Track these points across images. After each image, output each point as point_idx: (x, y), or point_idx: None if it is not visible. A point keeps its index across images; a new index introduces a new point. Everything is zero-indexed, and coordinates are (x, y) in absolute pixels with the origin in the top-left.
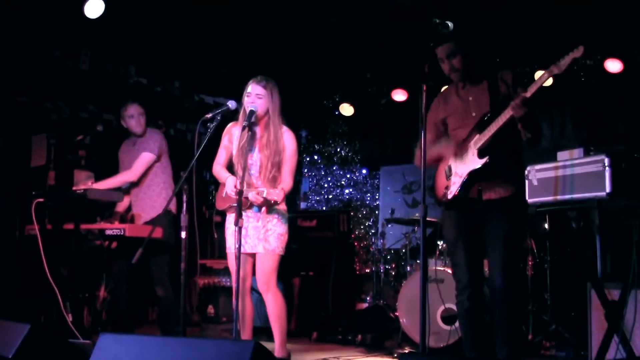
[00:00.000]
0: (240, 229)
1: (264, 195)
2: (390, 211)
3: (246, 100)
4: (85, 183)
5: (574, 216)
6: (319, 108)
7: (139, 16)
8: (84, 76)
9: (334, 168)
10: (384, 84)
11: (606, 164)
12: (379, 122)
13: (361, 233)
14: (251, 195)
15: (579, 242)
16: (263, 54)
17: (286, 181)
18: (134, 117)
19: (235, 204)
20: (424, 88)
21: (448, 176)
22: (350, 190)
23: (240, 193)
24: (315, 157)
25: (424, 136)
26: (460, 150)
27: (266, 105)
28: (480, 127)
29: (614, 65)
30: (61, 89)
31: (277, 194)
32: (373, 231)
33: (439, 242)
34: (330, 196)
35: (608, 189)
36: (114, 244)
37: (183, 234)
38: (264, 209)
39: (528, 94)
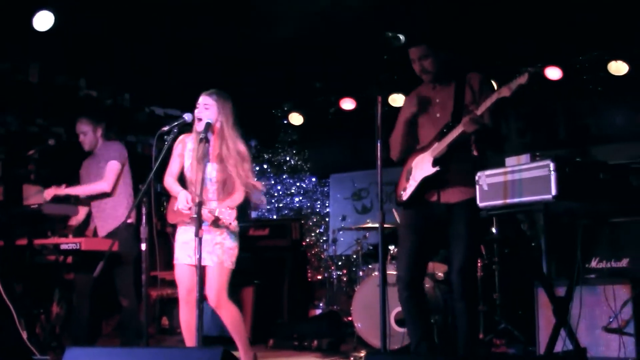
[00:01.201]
0: (200, 239)
1: (217, 214)
2: (341, 217)
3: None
4: (36, 197)
5: (523, 219)
6: (268, 117)
7: (88, 28)
8: (33, 89)
9: (284, 177)
10: (333, 93)
11: (551, 169)
12: (328, 130)
13: (312, 240)
14: (204, 213)
15: (525, 244)
16: (213, 64)
17: (240, 189)
18: (86, 133)
19: (187, 219)
20: (379, 99)
21: (407, 178)
22: (301, 198)
23: (199, 204)
24: (265, 166)
25: (380, 148)
26: (421, 155)
27: (215, 115)
28: (439, 136)
29: (553, 73)
30: (9, 102)
31: (228, 215)
32: (324, 238)
33: (390, 247)
34: (281, 205)
35: (554, 192)
36: (69, 259)
37: (143, 246)
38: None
39: (478, 112)
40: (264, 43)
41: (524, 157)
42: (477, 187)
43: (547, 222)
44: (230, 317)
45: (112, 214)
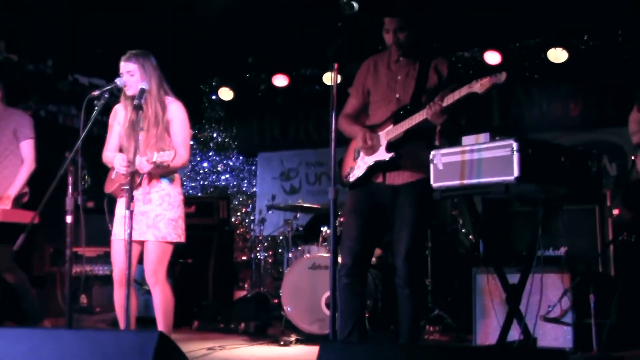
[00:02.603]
0: (131, 213)
1: (154, 159)
2: (271, 197)
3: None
4: None
5: (454, 202)
6: (195, 92)
7: None
8: None
9: (210, 154)
10: (264, 69)
11: (514, 149)
12: (257, 107)
13: (237, 220)
14: (139, 163)
15: (455, 229)
16: (139, 32)
17: (180, 153)
18: None
19: (123, 183)
20: (336, 66)
21: (355, 157)
22: (227, 176)
23: (132, 174)
24: (191, 142)
25: (335, 118)
26: (372, 136)
27: (141, 80)
28: (395, 118)
29: (493, 57)
30: None
31: (167, 154)
32: (252, 218)
33: (322, 229)
34: (206, 182)
35: (516, 173)
36: None
37: (68, 219)
38: (154, 190)
39: (444, 104)
40: (195, 13)
41: (483, 136)
42: (432, 166)
43: (486, 207)
44: (163, 297)
45: (5, 185)
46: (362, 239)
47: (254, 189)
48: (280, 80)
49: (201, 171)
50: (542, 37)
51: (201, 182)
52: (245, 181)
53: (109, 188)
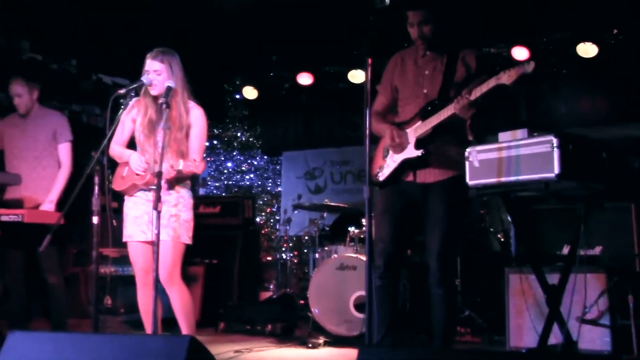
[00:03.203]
0: (159, 213)
1: (180, 168)
2: (297, 196)
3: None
4: None
5: (483, 201)
6: (218, 91)
7: None
8: None
9: (234, 153)
10: (288, 67)
11: (555, 145)
12: (281, 106)
13: (262, 220)
14: (165, 168)
15: (484, 227)
16: (162, 31)
17: (197, 160)
18: (21, 96)
19: (139, 183)
20: (370, 62)
21: (385, 156)
22: (252, 176)
23: (159, 174)
24: (215, 142)
25: (369, 114)
26: (400, 133)
27: (168, 79)
28: (424, 114)
29: (520, 53)
30: None
31: (195, 166)
32: (277, 218)
33: (349, 229)
34: (231, 182)
35: (557, 170)
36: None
37: (95, 219)
38: (171, 192)
39: (472, 97)
40: (217, 10)
41: (521, 132)
42: (467, 163)
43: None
44: (181, 298)
45: (45, 186)
46: (395, 239)
47: (279, 189)
48: (304, 79)
49: (225, 171)
50: (571, 32)
51: (225, 182)
52: (270, 181)
53: (120, 186)
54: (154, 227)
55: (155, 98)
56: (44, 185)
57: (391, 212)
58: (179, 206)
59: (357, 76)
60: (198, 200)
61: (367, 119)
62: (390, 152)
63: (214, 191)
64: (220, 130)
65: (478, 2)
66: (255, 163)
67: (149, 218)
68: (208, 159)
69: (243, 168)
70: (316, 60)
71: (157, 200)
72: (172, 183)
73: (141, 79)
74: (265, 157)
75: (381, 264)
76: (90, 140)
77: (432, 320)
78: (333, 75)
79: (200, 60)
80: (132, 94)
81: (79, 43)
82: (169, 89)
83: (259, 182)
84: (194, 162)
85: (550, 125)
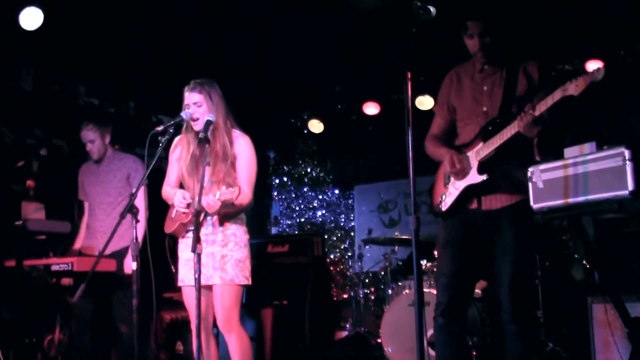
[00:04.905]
0: (199, 255)
1: (218, 197)
2: (367, 231)
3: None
4: (36, 214)
5: (563, 226)
6: (286, 127)
7: (82, 28)
8: (27, 97)
9: (305, 189)
10: (354, 98)
11: (627, 157)
12: (350, 138)
13: (337, 257)
14: (205, 202)
15: (567, 254)
16: (224, 70)
17: (244, 191)
18: (94, 141)
19: (186, 222)
20: (409, 75)
21: (446, 183)
22: (323, 212)
23: (197, 213)
24: (285, 179)
25: (411, 136)
26: (460, 158)
27: (209, 111)
28: (485, 135)
29: (594, 67)
30: (2, 112)
31: (231, 192)
32: (350, 254)
33: (422, 262)
34: (303, 219)
35: (631, 186)
36: (67, 281)
37: (134, 265)
38: (219, 230)
39: (536, 113)
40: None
41: (588, 146)
42: (530, 184)
43: (599, 228)
44: (240, 345)
45: (119, 233)
46: (459, 274)
47: (352, 224)
48: (370, 109)
49: (297, 208)
50: None
51: (297, 220)
52: (343, 216)
53: (170, 228)
54: (195, 271)
55: (197, 133)
56: (121, 232)
57: (454, 244)
58: (230, 245)
59: (424, 102)
60: (267, 240)
61: (409, 140)
62: (452, 179)
63: (287, 229)
64: (290, 167)
65: (543, 15)
66: (327, 198)
67: (201, 260)
68: (278, 197)
69: (314, 204)
70: (381, 89)
71: (196, 241)
72: (221, 220)
73: (180, 114)
74: (337, 191)
75: (443, 300)
76: (158, 184)
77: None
78: (399, 103)
79: (267, 97)
80: (171, 131)
81: (135, 84)
82: (208, 122)
83: (332, 218)
84: (230, 189)
85: (632, 144)
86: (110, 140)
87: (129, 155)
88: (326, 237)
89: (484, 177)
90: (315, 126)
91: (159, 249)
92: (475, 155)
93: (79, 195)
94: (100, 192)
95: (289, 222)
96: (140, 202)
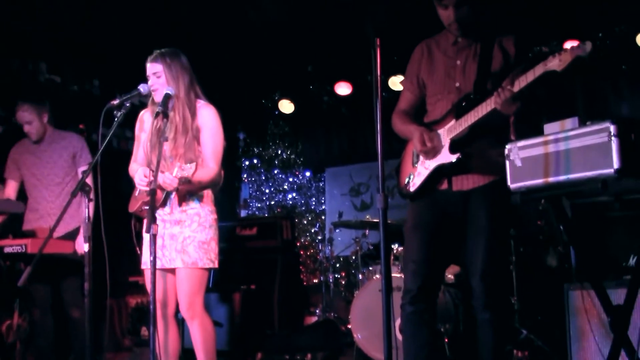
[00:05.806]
0: (154, 237)
1: (175, 174)
2: (338, 214)
3: (142, 86)
4: None
5: (538, 210)
6: (257, 108)
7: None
8: None
9: (276, 172)
10: (326, 78)
11: (612, 133)
12: (322, 120)
13: (307, 241)
14: (161, 179)
15: (542, 240)
16: (193, 49)
17: (209, 166)
18: (31, 122)
19: (147, 201)
20: (378, 42)
21: (415, 162)
22: (294, 194)
23: (153, 192)
24: (255, 161)
25: (379, 106)
26: (431, 136)
27: (168, 82)
28: (458, 112)
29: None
30: None
31: (188, 168)
32: (320, 238)
33: (393, 246)
34: (273, 202)
35: (616, 164)
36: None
37: (86, 247)
38: (179, 209)
39: (515, 89)
40: (249, 26)
41: (570, 121)
42: (508, 163)
43: (577, 212)
44: (203, 332)
45: (70, 213)
46: (428, 259)
47: (323, 207)
48: (342, 89)
49: (267, 190)
50: (629, 24)
51: (267, 202)
52: (314, 199)
53: (133, 207)
54: (150, 253)
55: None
56: (71, 212)
57: (423, 227)
58: (193, 226)
59: (398, 83)
60: (235, 223)
61: (377, 113)
62: (421, 158)
63: (256, 212)
64: (260, 149)
65: None
66: (298, 181)
67: (163, 242)
68: (248, 179)
69: (285, 187)
70: (354, 69)
71: (151, 221)
72: (180, 198)
73: (138, 87)
74: (308, 174)
75: (412, 288)
76: (122, 165)
77: (479, 350)
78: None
79: (237, 77)
80: (127, 104)
81: (101, 63)
82: (166, 96)
83: (303, 201)
84: (187, 165)
85: None
86: (49, 119)
87: (72, 134)
88: (296, 220)
89: (457, 156)
90: (286, 107)
91: (126, 230)
92: (447, 133)
93: (5, 173)
94: (47, 174)
95: (259, 205)
96: (90, 182)
